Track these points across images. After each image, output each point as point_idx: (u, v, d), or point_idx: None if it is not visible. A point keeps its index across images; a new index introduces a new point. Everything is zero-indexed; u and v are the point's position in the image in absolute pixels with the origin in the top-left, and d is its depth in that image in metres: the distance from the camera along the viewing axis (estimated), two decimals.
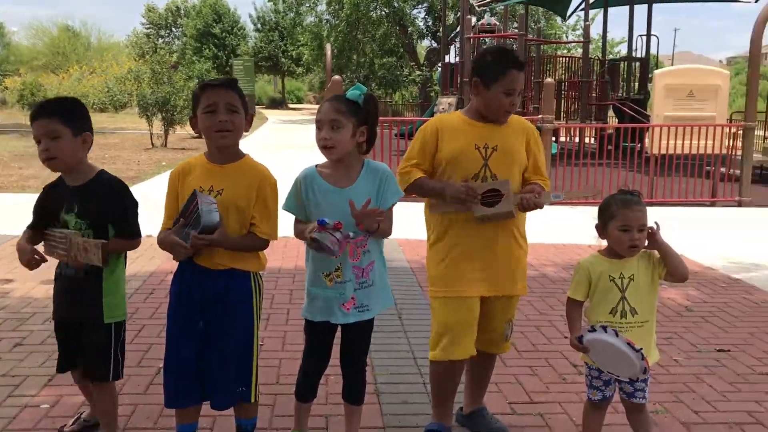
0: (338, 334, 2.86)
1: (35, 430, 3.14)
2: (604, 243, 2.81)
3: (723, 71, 11.79)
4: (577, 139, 15.05)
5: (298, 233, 2.73)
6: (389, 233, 2.77)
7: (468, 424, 3.24)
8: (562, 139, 16.34)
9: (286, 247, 6.43)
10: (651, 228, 2.68)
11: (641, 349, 2.59)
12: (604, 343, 2.60)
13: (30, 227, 2.87)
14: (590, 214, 8.68)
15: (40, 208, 2.87)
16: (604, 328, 2.62)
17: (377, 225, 2.63)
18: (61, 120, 2.68)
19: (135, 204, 2.83)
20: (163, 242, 2.60)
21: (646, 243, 2.70)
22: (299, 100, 60.53)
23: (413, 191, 2.99)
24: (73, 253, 2.66)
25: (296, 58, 46.47)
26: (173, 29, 56.80)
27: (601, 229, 2.78)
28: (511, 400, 3.55)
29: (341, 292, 2.70)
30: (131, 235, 2.82)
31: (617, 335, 2.60)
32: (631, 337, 2.73)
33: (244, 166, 2.67)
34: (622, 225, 2.68)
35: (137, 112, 19.71)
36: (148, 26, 57.05)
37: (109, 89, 35.76)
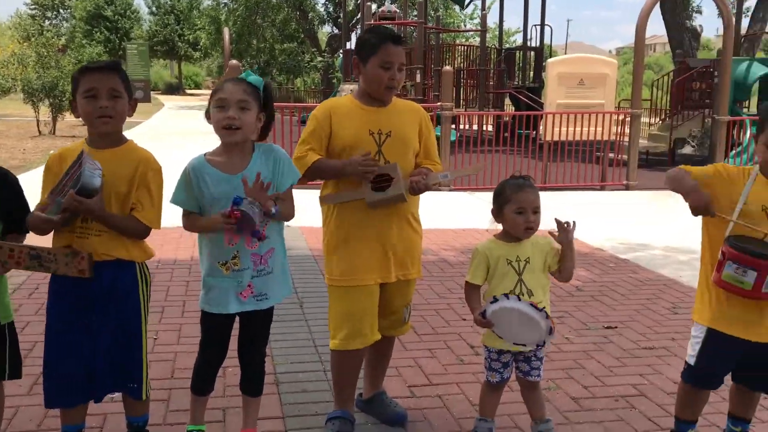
0: (236, 324, 2.79)
1: None
2: (500, 227, 2.87)
3: (611, 60, 12.33)
4: (475, 127, 15.40)
5: (196, 227, 2.65)
6: (291, 216, 2.72)
7: (367, 409, 3.25)
8: (463, 126, 16.66)
9: (182, 238, 6.24)
10: (567, 224, 2.76)
11: (544, 308, 2.66)
12: (508, 310, 2.64)
13: None
14: (487, 199, 8.87)
15: None
16: (506, 296, 2.67)
17: (273, 203, 2.58)
18: (121, 77, 2.50)
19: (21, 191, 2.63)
20: (31, 222, 2.46)
21: (558, 235, 2.77)
22: (197, 86, 58.88)
23: (312, 175, 2.91)
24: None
25: (193, 43, 45.23)
26: (61, 11, 53.86)
27: (497, 213, 2.84)
28: (410, 383, 3.59)
29: (238, 280, 2.63)
30: (26, 230, 2.59)
31: (519, 299, 2.66)
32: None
33: (126, 151, 2.55)
34: (517, 208, 2.75)
35: (22, 97, 18.60)
36: (32, 7, 53.81)
37: None
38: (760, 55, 18.43)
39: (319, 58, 32.50)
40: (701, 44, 21.67)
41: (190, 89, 55.18)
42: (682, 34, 17.96)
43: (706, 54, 32.10)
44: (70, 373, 2.54)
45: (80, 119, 2.59)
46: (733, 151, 11.79)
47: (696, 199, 2.60)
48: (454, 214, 8.23)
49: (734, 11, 17.14)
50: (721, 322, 2.68)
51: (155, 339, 4.06)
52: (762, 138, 2.63)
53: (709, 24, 77.89)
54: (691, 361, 2.78)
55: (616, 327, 4.55)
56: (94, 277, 2.47)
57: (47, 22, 52.76)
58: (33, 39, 24.02)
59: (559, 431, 3.05)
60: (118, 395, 2.72)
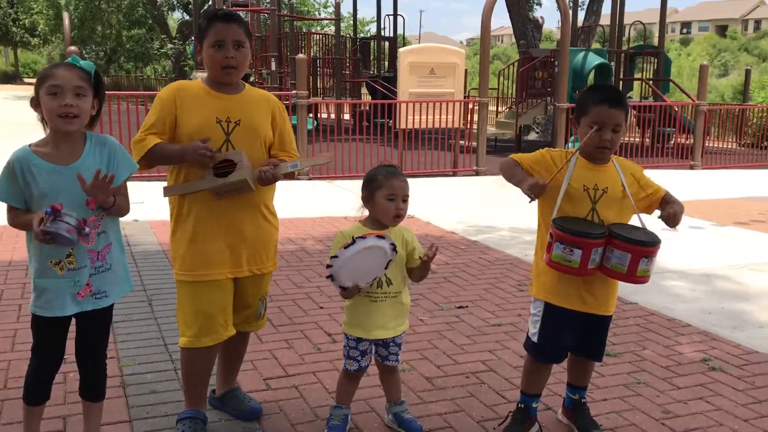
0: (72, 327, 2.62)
1: None
2: (365, 214, 2.88)
3: (459, 50, 12.75)
4: (333, 116, 15.42)
5: (20, 224, 2.44)
6: (126, 211, 2.58)
7: (221, 406, 3.17)
8: (324, 115, 16.64)
9: (18, 237, 5.78)
10: (435, 246, 2.80)
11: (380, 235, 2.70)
12: (350, 257, 2.65)
13: None
14: (346, 187, 8.98)
15: None
16: (345, 247, 2.66)
17: (113, 199, 2.43)
18: None
19: None
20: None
21: (422, 257, 2.82)
22: (36, 74, 54.90)
23: (150, 160, 2.75)
24: None
25: (30, 28, 41.99)
26: None
27: (367, 198, 2.85)
28: (266, 376, 3.54)
29: (75, 279, 2.46)
30: None
31: (347, 246, 2.65)
32: (385, 308, 2.85)
33: None
34: (388, 194, 2.78)
35: None
36: None
37: None
38: (595, 45, 19.75)
39: (170, 45, 31.24)
40: (543, 35, 22.91)
41: (29, 77, 51.32)
42: (525, 25, 18.93)
43: (548, 44, 34.01)
44: None
45: None
46: (573, 137, 12.58)
47: (529, 184, 2.73)
48: (314, 203, 8.21)
49: (570, 4, 18.24)
50: (557, 297, 2.85)
51: None
52: (582, 121, 2.81)
53: (550, 16, 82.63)
54: (534, 338, 2.93)
55: (467, 306, 4.73)
56: None
57: None
58: None
59: (413, 411, 3.12)
60: None
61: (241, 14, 18.73)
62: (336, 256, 2.66)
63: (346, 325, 2.91)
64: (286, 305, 4.60)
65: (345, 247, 2.65)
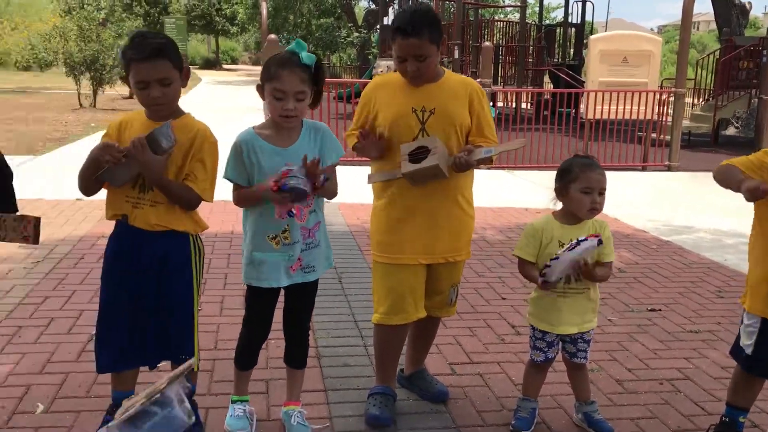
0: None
1: None
2: (558, 207, 2.83)
3: (656, 38, 12.05)
4: (514, 104, 15.19)
5: (245, 198, 2.64)
6: (335, 194, 2.74)
7: (408, 385, 3.25)
8: (500, 104, 16.46)
9: (224, 212, 6.28)
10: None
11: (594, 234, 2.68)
12: (570, 258, 2.63)
13: None
14: (527, 178, 8.77)
15: None
16: (562, 252, 2.64)
17: (322, 179, 2.57)
18: (173, 63, 2.43)
19: (11, 174, 2.54)
20: (90, 156, 2.45)
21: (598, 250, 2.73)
22: (234, 61, 59.08)
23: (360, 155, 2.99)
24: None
25: (231, 17, 45.21)
26: None
27: (561, 191, 2.78)
28: (451, 361, 3.58)
29: (290, 254, 2.64)
30: (11, 205, 2.54)
31: (572, 249, 2.62)
32: (572, 304, 2.79)
33: (183, 124, 2.53)
34: (584, 187, 2.71)
35: (64, 71, 18.85)
36: None
37: (32, 46, 34.03)
38: None
39: (356, 34, 32.27)
40: (749, 22, 21.01)
41: (227, 64, 55.38)
42: (729, 11, 17.44)
43: (753, 32, 31.16)
44: (121, 340, 2.57)
45: (128, 94, 2.58)
46: None
47: (749, 187, 2.49)
48: (494, 193, 8.16)
49: None
50: None
51: (199, 310, 4.10)
52: None
53: (757, 1, 75.63)
54: (749, 350, 2.71)
55: (659, 309, 4.48)
56: (148, 247, 2.50)
57: None
58: (74, 12, 24.22)
59: (604, 413, 3.01)
60: (165, 364, 2.75)
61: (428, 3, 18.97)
62: (557, 258, 2.63)
63: (532, 317, 2.87)
64: (468, 293, 4.61)
65: (569, 249, 2.61)
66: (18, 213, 2.31)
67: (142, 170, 2.42)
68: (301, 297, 2.78)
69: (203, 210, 2.65)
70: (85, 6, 22.22)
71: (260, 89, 2.61)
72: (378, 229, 2.96)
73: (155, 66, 2.40)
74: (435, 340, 3.50)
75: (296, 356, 2.88)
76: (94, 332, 3.69)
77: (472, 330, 4.01)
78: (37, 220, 2.33)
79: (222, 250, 5.37)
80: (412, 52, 2.73)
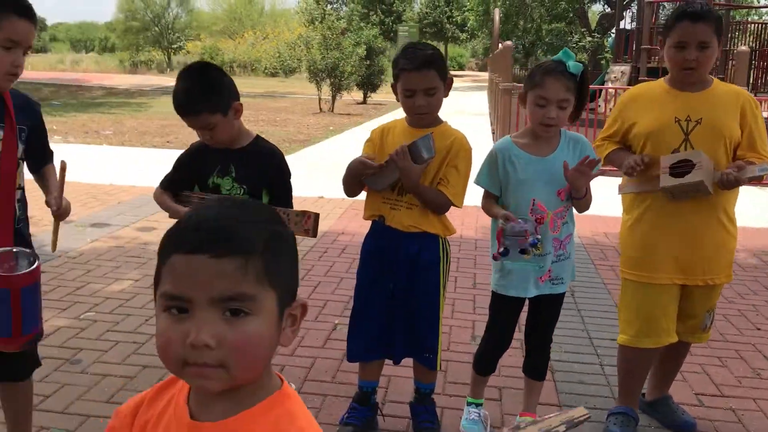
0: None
1: None
2: None
3: None
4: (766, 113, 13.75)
5: (487, 210, 2.67)
6: (588, 207, 2.67)
7: (650, 411, 3.07)
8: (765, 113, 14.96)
9: (466, 216, 6.38)
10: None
11: None
12: None
13: (165, 187, 2.65)
14: None
15: (184, 168, 2.65)
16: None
17: (584, 191, 2.53)
18: (210, 111, 2.40)
19: (290, 174, 2.67)
20: (350, 167, 2.62)
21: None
22: (461, 67, 60.05)
23: (608, 165, 2.86)
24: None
25: (461, 24, 46.02)
26: None
27: (521, 98, 2.63)
28: (697, 391, 3.32)
29: (540, 264, 2.62)
30: (289, 203, 2.64)
31: None
32: None
33: (441, 131, 2.63)
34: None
35: (306, 77, 20.39)
36: None
37: (279, 54, 37.36)
38: None
39: (588, 39, 31.26)
40: None
41: (454, 70, 56.46)
42: None
43: None
44: (372, 331, 2.73)
45: (395, 99, 2.71)
46: None
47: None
48: (748, 211, 7.43)
49: None
50: None
51: None
52: None
53: None
54: None
55: None
56: (402, 247, 2.61)
57: (329, 6, 57.25)
58: (317, 23, 26.13)
59: None
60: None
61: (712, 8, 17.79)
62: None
63: None
64: (717, 320, 4.23)
65: None
66: (299, 209, 2.52)
67: (402, 176, 2.54)
68: (548, 308, 2.74)
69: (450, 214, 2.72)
70: (326, 17, 23.82)
71: (522, 98, 2.61)
72: (630, 245, 2.82)
73: (424, 76, 2.51)
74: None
75: (537, 367, 2.84)
76: (336, 321, 3.98)
77: (722, 360, 3.69)
78: (317, 215, 2.51)
79: (452, 254, 5.45)
80: (698, 39, 2.57)
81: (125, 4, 50.44)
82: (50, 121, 13.79)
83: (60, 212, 2.34)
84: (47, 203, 2.36)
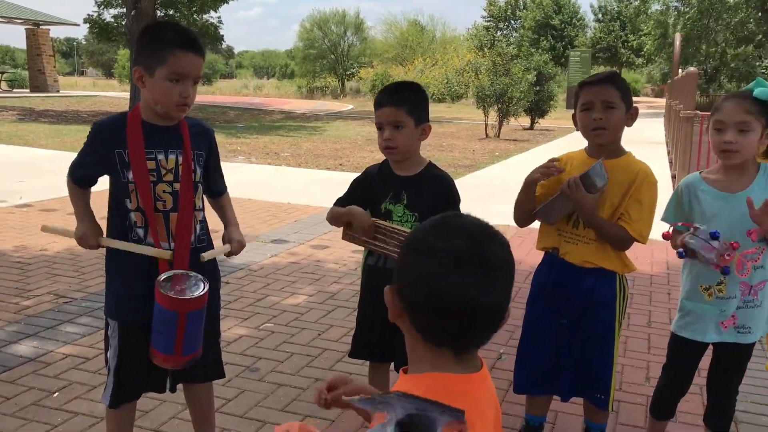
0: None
1: None
2: None
3: None
4: None
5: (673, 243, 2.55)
6: None
7: None
8: None
9: (653, 252, 6.12)
10: None
11: None
12: None
13: (340, 206, 2.68)
14: None
15: (358, 191, 2.71)
16: None
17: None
18: (408, 110, 2.53)
19: (460, 200, 2.66)
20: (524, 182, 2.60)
21: None
22: (635, 93, 57.63)
23: None
24: (389, 247, 2.47)
25: (636, 49, 44.31)
26: (512, 21, 57.98)
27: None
28: None
29: (722, 308, 2.46)
30: None
31: None
32: None
33: (624, 163, 2.55)
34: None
35: (473, 102, 20.49)
36: (488, 19, 59.06)
37: (447, 80, 37.91)
38: None
39: None
40: None
41: (635, 96, 54.31)
42: None
43: None
44: (540, 364, 2.67)
45: (575, 129, 2.66)
46: None
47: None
48: None
49: None
50: None
51: None
52: None
53: None
54: None
55: None
56: (576, 281, 2.56)
57: (499, 33, 57.36)
58: (486, 49, 26.27)
59: None
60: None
61: None
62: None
63: None
64: None
65: None
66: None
67: (577, 208, 2.49)
68: (730, 358, 2.56)
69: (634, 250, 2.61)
70: (496, 42, 23.87)
71: (708, 130, 2.49)
72: None
73: (604, 89, 2.48)
74: None
75: (718, 419, 2.65)
76: (502, 351, 3.94)
77: None
78: None
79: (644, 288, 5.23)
80: None
81: (305, 33, 53.61)
82: (235, 143, 14.98)
83: (236, 252, 2.55)
84: (225, 239, 2.55)
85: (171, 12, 23.95)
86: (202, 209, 2.51)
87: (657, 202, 2.54)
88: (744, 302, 2.45)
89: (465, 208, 2.71)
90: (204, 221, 2.52)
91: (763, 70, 30.15)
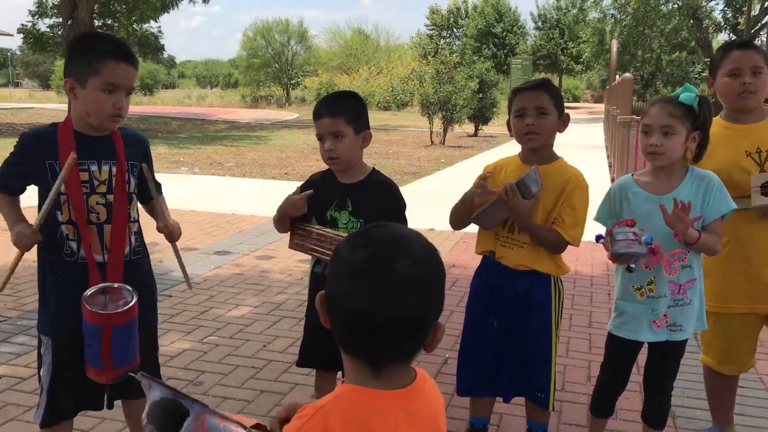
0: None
1: None
2: None
3: None
4: None
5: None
6: (716, 250, 2.51)
7: None
8: None
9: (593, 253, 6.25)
10: None
11: None
12: None
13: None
14: None
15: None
16: None
17: (697, 234, 2.41)
18: (346, 119, 2.54)
19: (405, 206, 2.68)
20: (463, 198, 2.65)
21: None
22: (575, 99, 59.07)
23: None
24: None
25: (575, 56, 45.42)
26: (454, 30, 58.70)
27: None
28: None
29: (653, 307, 2.53)
30: None
31: None
32: None
33: (555, 168, 2.61)
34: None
35: (418, 110, 20.66)
36: (431, 27, 59.65)
37: (392, 89, 38.14)
38: None
39: None
40: None
41: (568, 102, 55.54)
42: None
43: None
44: (479, 367, 2.72)
45: (509, 135, 2.71)
46: None
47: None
48: None
49: None
50: None
51: None
52: None
53: None
54: None
55: None
56: (511, 284, 2.60)
57: (442, 41, 57.97)
58: (429, 57, 26.54)
59: None
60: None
61: None
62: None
63: None
64: None
65: None
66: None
67: (512, 214, 2.54)
68: (665, 356, 2.64)
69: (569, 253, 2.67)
70: (439, 51, 24.14)
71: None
72: (707, 273, 2.69)
73: (536, 94, 2.55)
74: None
75: (655, 415, 2.73)
76: (447, 356, 3.97)
77: None
78: None
79: (567, 291, 5.33)
80: (750, 64, 2.60)
81: (248, 42, 53.18)
82: (177, 153, 14.75)
83: (171, 232, 2.49)
84: (158, 229, 2.50)
85: (109, 22, 23.49)
86: (137, 220, 2.47)
87: (589, 206, 2.61)
88: (675, 301, 2.53)
89: (411, 214, 2.74)
90: (139, 232, 2.48)
91: (696, 76, 31.31)
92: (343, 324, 1.21)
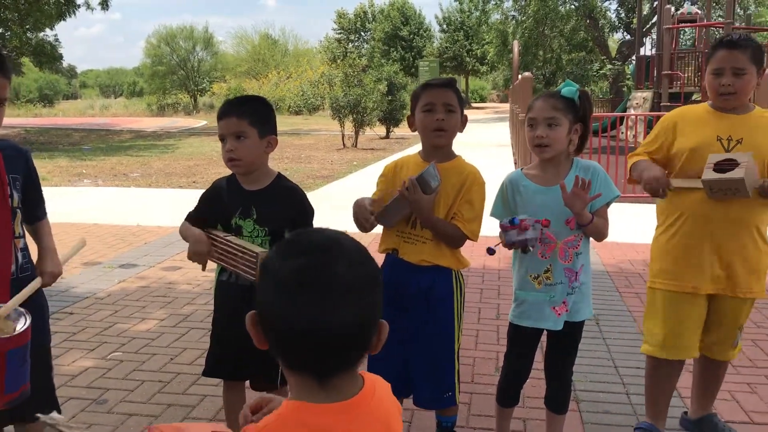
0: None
1: None
2: None
3: None
4: None
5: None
6: (603, 236, 2.64)
7: (695, 430, 3.07)
8: None
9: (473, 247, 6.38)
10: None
11: None
12: None
13: (192, 222, 2.66)
14: None
15: (207, 206, 2.68)
16: None
17: (590, 216, 2.52)
18: (250, 121, 2.51)
19: (313, 212, 2.67)
20: (354, 211, 2.63)
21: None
22: (482, 99, 60.44)
23: (632, 175, 2.94)
24: (239, 265, 2.46)
25: (480, 57, 46.49)
26: (362, 33, 58.96)
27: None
28: (727, 419, 3.26)
29: (551, 295, 2.61)
30: None
31: None
32: None
33: (455, 166, 2.66)
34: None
35: (329, 114, 20.65)
36: (339, 31, 59.71)
37: (303, 93, 37.96)
38: None
39: (609, 66, 31.33)
40: None
41: (476, 102, 56.78)
42: None
43: None
44: (388, 367, 2.68)
45: (411, 131, 2.73)
46: None
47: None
48: None
49: None
50: None
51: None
52: None
53: None
54: None
55: None
56: (414, 280, 2.62)
57: (350, 45, 58.13)
58: (339, 61, 26.59)
59: None
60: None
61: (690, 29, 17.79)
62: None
63: None
64: (746, 345, 4.17)
65: None
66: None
67: (414, 209, 2.56)
68: (564, 341, 2.72)
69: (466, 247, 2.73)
70: (348, 54, 24.23)
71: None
72: (662, 254, 2.85)
73: (445, 92, 2.59)
74: (726, 387, 3.24)
75: (557, 400, 2.81)
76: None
77: (751, 387, 3.61)
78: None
79: (475, 285, 5.45)
80: (732, 65, 2.66)
81: (152, 49, 51.75)
82: (80, 165, 14.18)
83: (48, 284, 2.40)
84: (40, 270, 2.39)
85: (0, 30, 22.34)
86: (23, 236, 2.35)
87: (486, 201, 2.67)
88: (572, 288, 2.62)
89: (324, 218, 2.71)
90: (26, 249, 2.36)
91: (593, 73, 32.59)
92: (285, 342, 1.13)
